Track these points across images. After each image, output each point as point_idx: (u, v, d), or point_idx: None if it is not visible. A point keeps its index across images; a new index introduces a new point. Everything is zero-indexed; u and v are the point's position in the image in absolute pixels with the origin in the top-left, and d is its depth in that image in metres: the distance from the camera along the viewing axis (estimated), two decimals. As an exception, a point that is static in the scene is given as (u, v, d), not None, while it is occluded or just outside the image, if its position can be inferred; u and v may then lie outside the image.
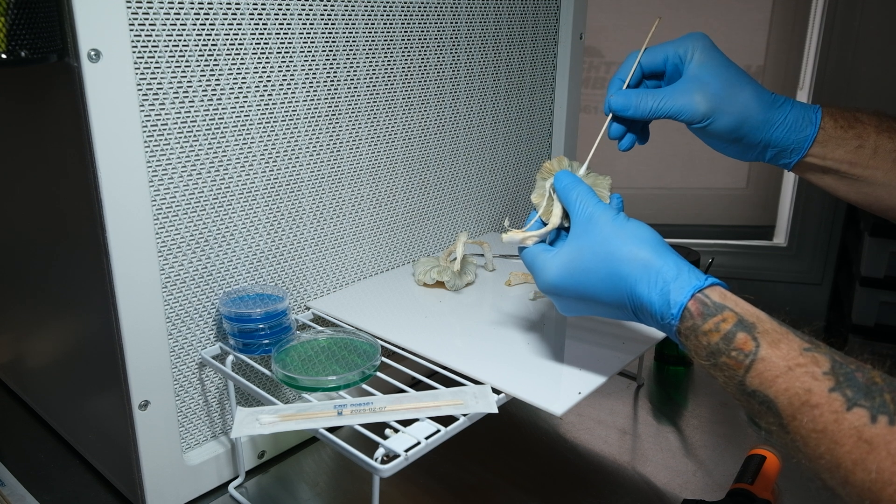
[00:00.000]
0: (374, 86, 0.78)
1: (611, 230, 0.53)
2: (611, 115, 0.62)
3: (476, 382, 0.62)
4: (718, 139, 0.61)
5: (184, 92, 0.61)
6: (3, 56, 0.51)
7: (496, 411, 0.57)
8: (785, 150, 0.62)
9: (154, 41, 0.58)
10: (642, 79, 0.63)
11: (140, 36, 0.57)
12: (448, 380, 0.63)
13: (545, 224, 0.60)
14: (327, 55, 0.72)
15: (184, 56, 0.61)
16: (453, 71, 0.87)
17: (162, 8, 0.58)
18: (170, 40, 0.59)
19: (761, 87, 0.61)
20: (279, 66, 0.68)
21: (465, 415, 0.57)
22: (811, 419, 0.42)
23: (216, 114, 0.64)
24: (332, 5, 0.71)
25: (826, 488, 0.43)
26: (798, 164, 0.62)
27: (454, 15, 0.85)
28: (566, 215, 0.58)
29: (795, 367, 0.44)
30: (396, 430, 0.55)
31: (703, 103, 0.59)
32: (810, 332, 0.47)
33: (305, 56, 0.70)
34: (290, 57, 0.69)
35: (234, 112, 0.66)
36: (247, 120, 0.67)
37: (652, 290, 0.50)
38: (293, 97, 0.70)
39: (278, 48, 0.67)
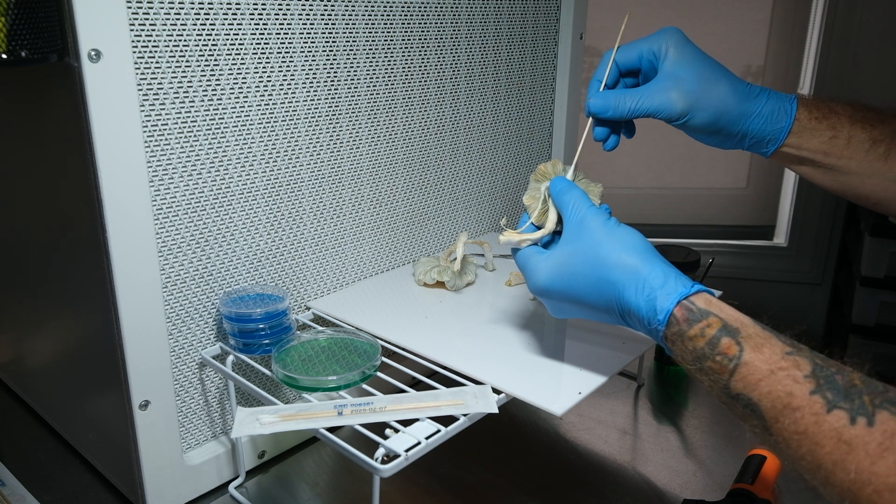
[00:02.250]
0: (375, 86, 0.78)
1: (601, 235, 0.54)
2: (592, 118, 0.63)
3: (476, 382, 0.62)
4: (697, 132, 0.62)
5: (184, 92, 0.61)
6: (4, 56, 0.51)
7: (496, 411, 0.57)
8: (762, 141, 0.63)
9: (154, 41, 0.58)
10: (619, 77, 0.64)
11: (140, 36, 0.57)
12: (448, 380, 0.63)
13: (536, 227, 0.60)
14: (328, 55, 0.72)
15: (184, 56, 0.61)
16: (453, 71, 0.87)
17: (162, 8, 0.58)
18: (170, 40, 0.59)
19: (736, 79, 0.61)
20: (279, 67, 0.68)
21: (465, 415, 0.57)
22: (793, 421, 0.43)
23: (216, 114, 0.64)
24: (332, 5, 0.71)
25: (809, 488, 0.43)
26: (774, 153, 0.63)
27: (454, 15, 0.85)
28: (561, 219, 0.59)
29: (777, 371, 0.45)
30: (397, 430, 0.55)
31: (680, 101, 0.59)
32: (793, 335, 0.48)
33: (306, 56, 0.70)
34: (291, 57, 0.69)
35: (234, 112, 0.66)
36: (247, 120, 0.67)
37: (639, 296, 0.51)
38: (293, 97, 0.70)
39: (279, 48, 0.67)
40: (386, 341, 0.69)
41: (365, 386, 0.63)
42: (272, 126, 0.69)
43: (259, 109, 0.68)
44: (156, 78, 0.59)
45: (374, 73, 0.77)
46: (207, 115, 0.64)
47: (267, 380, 0.74)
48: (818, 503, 0.44)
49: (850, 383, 0.43)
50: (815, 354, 0.46)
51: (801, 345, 0.47)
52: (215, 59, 0.63)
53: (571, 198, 0.57)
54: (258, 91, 0.67)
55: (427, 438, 0.54)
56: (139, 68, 0.58)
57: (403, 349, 0.68)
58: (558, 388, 0.61)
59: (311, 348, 0.66)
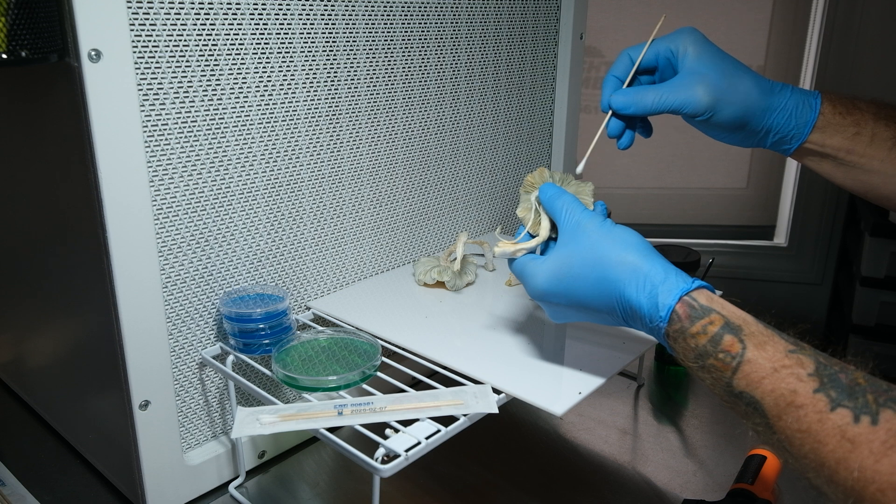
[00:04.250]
0: (375, 86, 0.78)
1: (598, 236, 0.54)
2: (610, 113, 0.62)
3: (476, 382, 0.62)
4: (721, 129, 0.62)
5: (184, 92, 0.61)
6: (4, 56, 0.51)
7: (496, 411, 0.57)
8: (786, 136, 0.62)
9: (154, 41, 0.58)
10: (635, 75, 0.64)
11: (140, 36, 0.57)
12: (448, 380, 0.63)
13: (532, 236, 0.60)
14: (328, 55, 0.72)
15: (184, 56, 0.61)
16: (453, 71, 0.87)
17: (162, 8, 0.58)
18: (170, 40, 0.59)
19: (758, 75, 0.61)
20: (280, 67, 0.68)
21: (465, 415, 0.57)
22: (796, 419, 0.43)
23: (216, 114, 0.64)
24: (332, 5, 0.71)
25: (812, 487, 0.43)
26: (797, 150, 0.63)
27: (454, 15, 0.85)
28: (553, 226, 0.59)
29: (781, 369, 0.45)
30: (397, 430, 0.55)
31: (706, 95, 0.59)
32: (796, 334, 0.48)
33: (306, 56, 0.70)
34: (291, 57, 0.69)
35: (234, 112, 0.66)
36: (247, 120, 0.67)
37: (640, 294, 0.51)
38: (293, 97, 0.70)
39: (279, 48, 0.67)
40: (386, 341, 0.69)
41: (365, 386, 0.63)
42: (272, 126, 0.69)
43: (259, 109, 0.68)
44: (156, 78, 0.59)
45: (374, 73, 0.77)
46: (207, 115, 0.64)
47: (267, 380, 0.74)
48: (819, 503, 0.44)
49: (853, 382, 0.43)
50: (818, 353, 0.46)
51: (804, 343, 0.47)
52: (215, 59, 0.63)
53: (563, 203, 0.57)
54: (258, 91, 0.67)
55: (427, 438, 0.54)
56: (139, 68, 0.58)
57: (403, 349, 0.68)
58: (558, 388, 0.61)
59: (311, 348, 0.66)
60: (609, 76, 0.63)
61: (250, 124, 0.67)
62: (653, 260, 0.52)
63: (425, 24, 0.81)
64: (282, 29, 0.67)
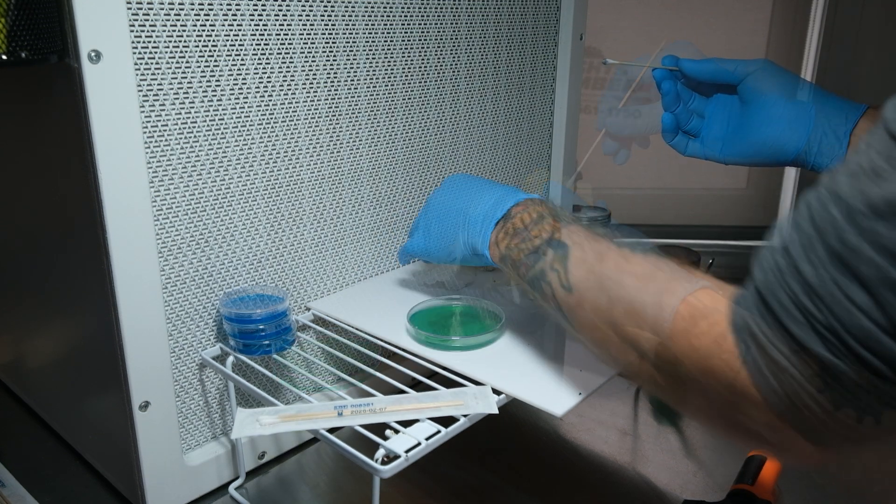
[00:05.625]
0: (375, 86, 0.78)
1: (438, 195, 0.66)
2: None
3: (476, 383, 0.62)
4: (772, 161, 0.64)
5: (184, 93, 0.61)
6: (4, 57, 0.51)
7: (496, 412, 0.57)
8: (817, 166, 0.65)
9: (154, 42, 0.58)
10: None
11: (140, 37, 0.57)
12: (448, 380, 0.63)
13: None
14: (328, 55, 0.72)
15: (184, 57, 0.61)
16: (453, 71, 0.87)
17: (162, 9, 0.58)
18: (170, 41, 0.59)
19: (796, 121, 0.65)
20: (279, 67, 0.68)
21: (465, 415, 0.57)
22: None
23: (216, 114, 0.64)
24: (332, 5, 0.71)
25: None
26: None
27: (454, 15, 0.85)
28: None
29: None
30: (397, 431, 0.55)
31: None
32: None
33: (306, 56, 0.70)
34: (291, 57, 0.69)
35: (234, 113, 0.66)
36: (247, 120, 0.67)
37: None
38: (293, 98, 0.70)
39: (279, 49, 0.67)
40: (386, 341, 0.69)
41: (365, 386, 0.63)
42: (272, 126, 0.69)
43: (259, 110, 0.68)
44: (156, 79, 0.59)
45: (374, 73, 0.77)
46: (207, 115, 0.64)
47: (267, 380, 0.74)
48: (818, 504, 0.44)
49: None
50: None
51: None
52: (215, 60, 0.63)
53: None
54: (258, 91, 0.67)
55: (427, 439, 0.54)
56: (139, 69, 0.58)
57: (403, 349, 0.68)
58: (558, 389, 0.61)
59: (440, 313, 0.73)
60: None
61: (250, 125, 0.67)
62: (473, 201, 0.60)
63: (425, 24, 0.81)
64: (282, 29, 0.67)
